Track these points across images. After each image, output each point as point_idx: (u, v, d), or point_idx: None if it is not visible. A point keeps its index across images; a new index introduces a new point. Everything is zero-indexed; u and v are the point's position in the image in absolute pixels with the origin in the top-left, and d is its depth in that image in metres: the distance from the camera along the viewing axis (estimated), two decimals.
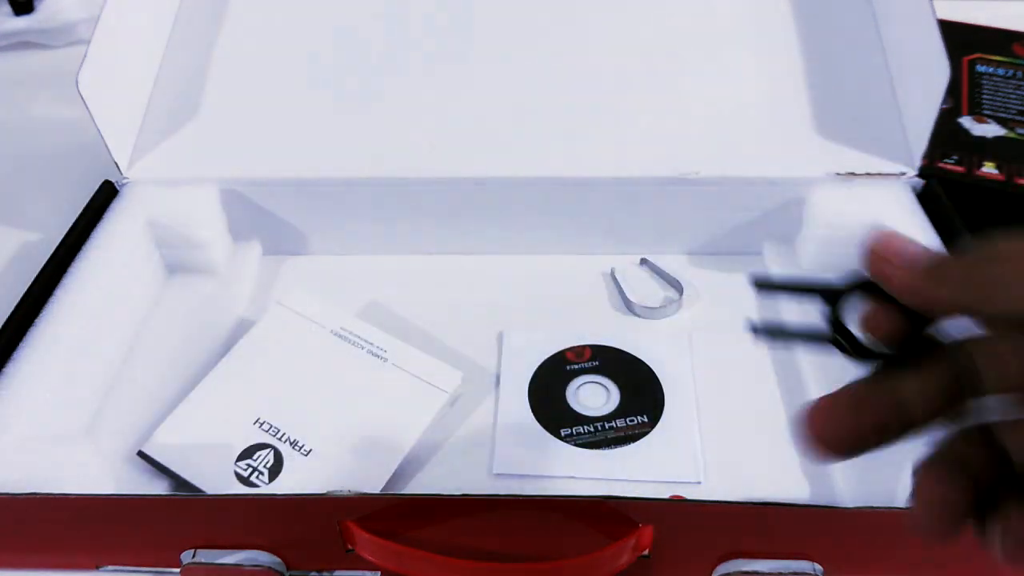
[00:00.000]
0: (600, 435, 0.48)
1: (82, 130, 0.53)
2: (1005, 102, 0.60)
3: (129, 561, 0.42)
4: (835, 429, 0.24)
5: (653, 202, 0.56)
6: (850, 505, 0.41)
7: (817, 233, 0.54)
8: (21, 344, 0.46)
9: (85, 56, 0.51)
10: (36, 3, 0.82)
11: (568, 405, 0.49)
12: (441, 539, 0.38)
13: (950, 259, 0.25)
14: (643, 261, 0.59)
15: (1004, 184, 0.54)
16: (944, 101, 0.50)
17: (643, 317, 0.55)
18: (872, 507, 0.36)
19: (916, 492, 0.24)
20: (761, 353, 0.52)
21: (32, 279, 0.49)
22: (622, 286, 0.57)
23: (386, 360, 0.49)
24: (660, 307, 0.55)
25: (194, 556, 0.39)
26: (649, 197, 0.56)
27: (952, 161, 0.56)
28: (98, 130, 0.53)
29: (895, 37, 0.57)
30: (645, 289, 0.57)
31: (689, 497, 0.38)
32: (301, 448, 0.45)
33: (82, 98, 0.50)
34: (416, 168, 0.55)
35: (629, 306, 0.56)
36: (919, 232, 0.51)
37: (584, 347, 0.53)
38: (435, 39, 0.61)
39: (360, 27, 0.61)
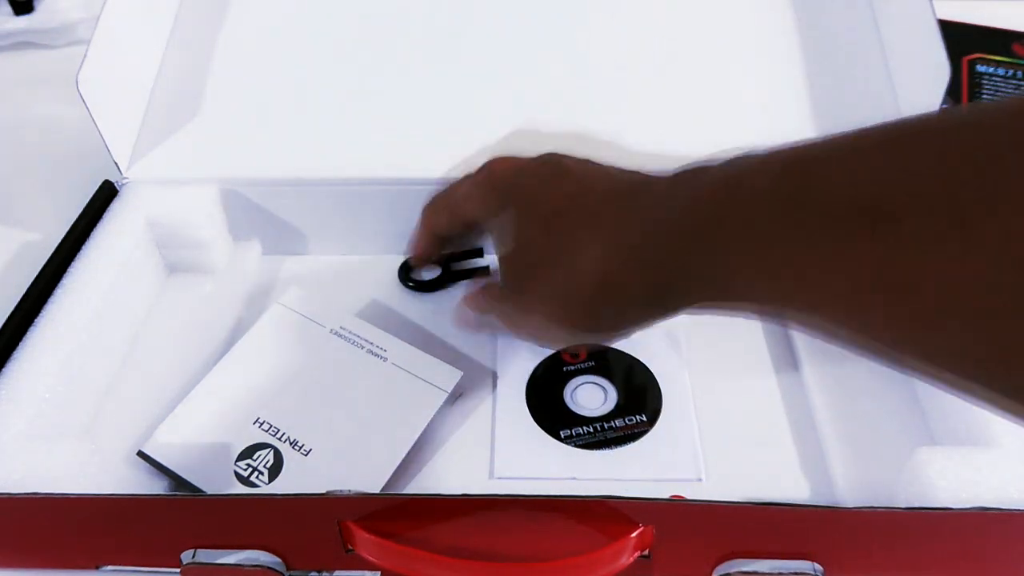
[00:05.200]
0: (600, 435, 0.48)
1: (82, 130, 0.52)
2: None
3: (129, 561, 0.42)
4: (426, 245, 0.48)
5: None
6: (851, 505, 0.41)
7: None
8: (21, 344, 0.46)
9: (85, 56, 0.51)
10: (36, 3, 0.82)
11: (566, 406, 0.49)
12: (441, 539, 0.38)
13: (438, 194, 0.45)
14: None
15: None
16: (944, 101, 0.50)
17: None
18: (872, 507, 0.36)
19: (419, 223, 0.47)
20: (760, 351, 0.52)
21: (32, 279, 0.49)
22: None
23: (386, 360, 0.49)
24: None
25: (194, 556, 0.39)
26: None
27: None
28: (98, 130, 0.53)
29: (895, 37, 0.57)
30: None
31: (690, 495, 0.38)
32: (301, 448, 0.45)
33: (82, 98, 0.50)
34: (416, 168, 0.55)
35: None
36: None
37: (580, 347, 0.52)
38: (436, 39, 0.61)
39: (360, 27, 0.62)
